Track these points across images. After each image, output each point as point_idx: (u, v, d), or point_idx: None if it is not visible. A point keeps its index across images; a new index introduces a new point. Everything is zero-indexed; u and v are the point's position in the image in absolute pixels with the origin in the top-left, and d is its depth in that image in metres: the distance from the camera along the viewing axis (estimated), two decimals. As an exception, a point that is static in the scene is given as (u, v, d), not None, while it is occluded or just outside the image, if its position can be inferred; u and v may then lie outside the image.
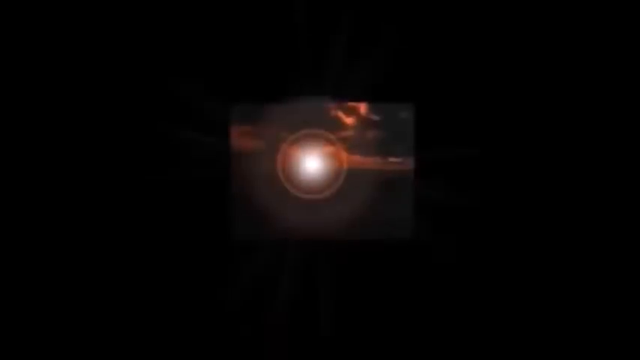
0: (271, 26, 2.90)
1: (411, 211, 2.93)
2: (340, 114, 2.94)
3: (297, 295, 2.95)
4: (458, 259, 2.94)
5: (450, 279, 2.95)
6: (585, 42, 2.89)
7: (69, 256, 2.93)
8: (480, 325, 2.93)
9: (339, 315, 2.95)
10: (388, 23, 2.87)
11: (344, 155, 2.95)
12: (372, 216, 2.96)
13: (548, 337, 2.93)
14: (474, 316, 2.94)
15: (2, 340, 2.89)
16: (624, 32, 2.89)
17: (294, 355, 2.92)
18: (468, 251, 2.94)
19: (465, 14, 2.87)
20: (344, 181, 2.97)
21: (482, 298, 2.94)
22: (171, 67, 2.92)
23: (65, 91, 2.91)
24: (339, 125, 2.94)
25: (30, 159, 2.91)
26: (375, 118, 2.94)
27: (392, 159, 2.94)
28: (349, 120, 2.94)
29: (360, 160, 2.96)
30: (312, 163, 2.99)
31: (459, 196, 2.90)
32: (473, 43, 2.88)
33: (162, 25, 2.90)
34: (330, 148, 2.96)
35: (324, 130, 2.94)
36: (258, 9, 2.89)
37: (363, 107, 2.94)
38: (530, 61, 2.89)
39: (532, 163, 2.92)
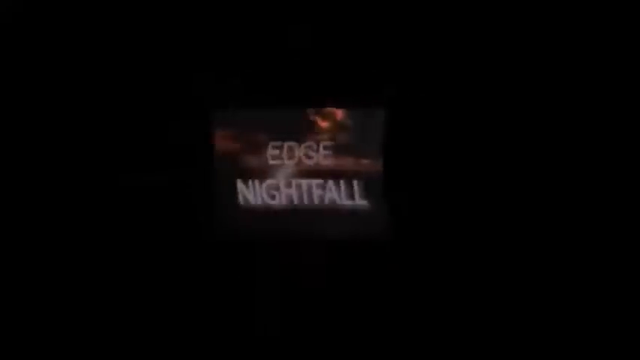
0: (255, 34, 3.03)
1: (383, 211, 3.10)
2: (316, 119, 3.11)
3: (286, 294, 3.08)
4: (434, 256, 3.06)
5: (427, 276, 3.06)
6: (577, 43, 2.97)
7: (57, 256, 3.04)
8: (468, 325, 3.01)
9: (329, 314, 3.07)
10: (365, 32, 3.01)
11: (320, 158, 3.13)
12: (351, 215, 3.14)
13: (544, 337, 2.98)
14: (459, 315, 3.02)
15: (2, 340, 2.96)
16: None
17: (284, 354, 3.01)
18: (444, 248, 3.05)
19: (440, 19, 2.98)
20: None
21: (464, 298, 3.03)
22: (156, 70, 3.03)
23: (48, 92, 3.01)
24: (314, 129, 3.11)
25: (19, 159, 3.00)
26: (348, 122, 3.10)
27: (364, 161, 3.11)
28: (324, 124, 3.11)
29: (334, 163, 3.12)
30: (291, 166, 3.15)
31: (429, 196, 3.04)
32: (446, 48, 2.99)
33: (149, 29, 3.00)
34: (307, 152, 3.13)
35: (300, 134, 3.11)
36: (244, 18, 3.02)
37: (337, 113, 3.10)
38: (505, 65, 2.98)
39: (503, 161, 3.01)
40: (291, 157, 3.13)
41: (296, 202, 3.15)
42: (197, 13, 3.03)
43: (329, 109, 3.10)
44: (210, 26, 3.04)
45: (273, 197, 3.15)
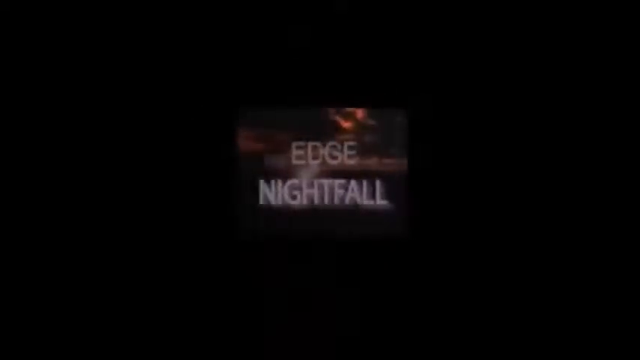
0: (275, 34, 3.12)
1: (403, 211, 3.11)
2: (338, 119, 3.17)
3: (299, 293, 3.06)
4: (452, 256, 3.04)
5: (444, 276, 3.04)
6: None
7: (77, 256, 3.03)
8: (475, 324, 2.99)
9: (341, 313, 3.05)
10: (385, 31, 3.11)
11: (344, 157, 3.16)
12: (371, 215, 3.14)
13: (550, 337, 2.96)
14: (469, 314, 3.00)
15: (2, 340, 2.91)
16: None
17: (295, 353, 2.98)
18: (462, 248, 3.04)
19: (458, 21, 3.07)
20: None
21: (476, 297, 3.01)
22: (179, 71, 3.08)
23: (77, 96, 3.04)
24: (338, 129, 3.16)
25: (35, 161, 3.02)
26: (371, 122, 3.16)
27: (387, 160, 3.14)
28: (347, 124, 3.16)
29: (358, 162, 3.16)
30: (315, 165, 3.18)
31: (452, 196, 3.06)
32: (465, 49, 3.08)
33: (169, 29, 3.07)
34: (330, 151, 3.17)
35: (324, 134, 3.17)
36: (264, 17, 3.11)
37: (358, 112, 3.17)
38: (522, 65, 3.05)
39: (524, 163, 3.05)
40: (315, 157, 3.16)
41: (316, 202, 3.15)
42: (222, 12, 3.11)
43: (349, 109, 3.17)
44: (234, 24, 3.11)
45: (294, 197, 3.16)
